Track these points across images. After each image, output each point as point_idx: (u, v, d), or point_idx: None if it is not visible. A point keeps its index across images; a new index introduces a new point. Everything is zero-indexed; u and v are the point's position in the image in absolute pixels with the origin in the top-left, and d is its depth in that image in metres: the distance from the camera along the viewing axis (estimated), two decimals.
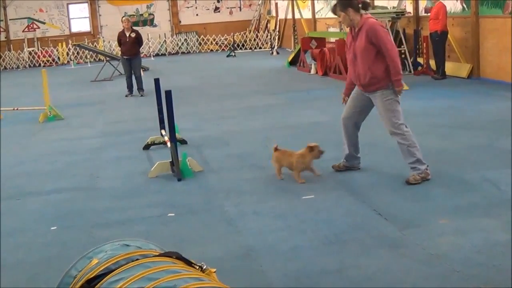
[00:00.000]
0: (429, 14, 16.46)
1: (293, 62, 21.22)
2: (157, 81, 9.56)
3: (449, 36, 15.89)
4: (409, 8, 18.67)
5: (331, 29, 23.08)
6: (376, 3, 20.53)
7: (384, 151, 8.46)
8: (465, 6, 15.88)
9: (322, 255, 5.17)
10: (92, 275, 2.80)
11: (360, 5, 7.07)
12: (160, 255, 2.92)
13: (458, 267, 4.76)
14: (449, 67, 16.13)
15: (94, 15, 31.50)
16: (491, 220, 5.73)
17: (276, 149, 7.53)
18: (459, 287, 4.45)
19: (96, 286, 2.73)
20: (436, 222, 5.74)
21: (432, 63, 16.47)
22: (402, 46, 17.85)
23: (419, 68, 17.24)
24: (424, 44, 16.99)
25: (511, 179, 6.82)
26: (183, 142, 9.57)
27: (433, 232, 5.50)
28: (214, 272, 3.04)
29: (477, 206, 6.14)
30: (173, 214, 6.46)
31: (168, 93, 7.73)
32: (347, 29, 7.51)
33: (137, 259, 2.83)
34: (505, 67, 14.57)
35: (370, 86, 7.14)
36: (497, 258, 4.89)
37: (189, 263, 2.96)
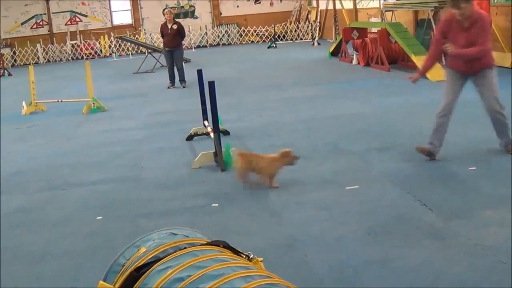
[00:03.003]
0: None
1: (334, 53, 21.09)
2: (199, 72, 9.60)
3: (492, 25, 15.62)
4: None
5: (373, 20, 22.86)
6: None
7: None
8: None
9: (367, 246, 5.14)
10: (141, 263, 2.82)
11: None
12: (208, 244, 2.93)
13: (504, 259, 4.68)
14: (493, 56, 15.82)
15: (135, 7, 31.73)
16: None
17: (241, 153, 7.19)
18: (505, 278, 4.39)
19: (145, 274, 2.74)
20: (482, 213, 5.66)
21: None
22: None
23: None
24: None
25: None
26: (226, 133, 9.59)
27: (479, 223, 5.43)
28: (261, 261, 3.04)
29: None
30: (217, 205, 6.49)
31: (211, 84, 7.75)
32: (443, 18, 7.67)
33: (184, 248, 2.84)
34: None
35: (479, 69, 7.45)
36: None
37: (236, 252, 2.97)
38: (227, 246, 2.96)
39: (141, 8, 31.80)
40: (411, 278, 4.52)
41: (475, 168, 7.03)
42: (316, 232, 5.53)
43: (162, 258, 2.77)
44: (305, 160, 7.93)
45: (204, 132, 9.53)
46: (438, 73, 14.41)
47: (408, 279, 4.50)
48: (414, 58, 15.35)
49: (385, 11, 20.90)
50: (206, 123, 9.45)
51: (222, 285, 2.49)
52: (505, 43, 15.76)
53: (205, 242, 2.95)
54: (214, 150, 7.98)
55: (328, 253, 5.06)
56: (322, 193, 6.63)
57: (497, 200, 5.99)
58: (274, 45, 27.76)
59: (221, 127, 8.81)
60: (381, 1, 22.62)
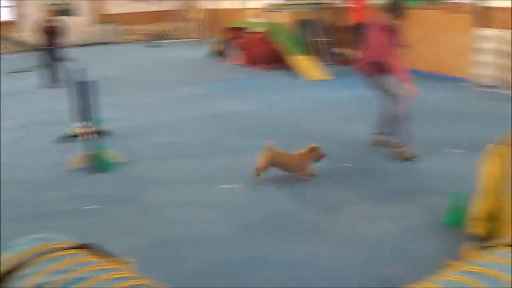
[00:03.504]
0: (351, 5, 16.68)
1: (218, 53, 21.17)
2: (79, 72, 9.40)
3: None
4: None
5: (256, 20, 23.09)
6: None
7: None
8: None
9: (243, 243, 5.22)
10: (4, 270, 2.75)
11: None
12: (75, 247, 2.90)
13: (378, 252, 4.89)
14: None
15: (15, 4, 30.68)
16: (409, 205, 5.92)
17: (268, 150, 6.95)
18: (378, 270, 4.57)
19: (5, 281, 2.68)
20: (356, 208, 5.87)
21: (355, 53, 16.72)
22: (326, 37, 18.07)
23: (342, 58, 17.50)
24: (347, 34, 17.26)
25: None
26: (106, 133, 9.42)
27: (355, 218, 5.64)
28: (132, 262, 3.03)
29: (395, 192, 6.32)
30: (94, 206, 6.39)
31: (89, 84, 7.62)
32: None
33: (51, 252, 2.79)
34: (421, 57, 15.02)
35: None
36: (414, 242, 5.05)
37: (106, 254, 2.95)
38: (96, 249, 2.93)
39: (20, 5, 30.78)
40: (285, 273, 4.62)
41: (352, 165, 7.27)
42: (192, 231, 5.56)
43: (27, 263, 2.71)
44: (186, 159, 7.96)
45: (81, 132, 9.33)
46: (315, 72, 14.83)
47: (283, 274, 4.60)
48: (295, 58, 15.65)
49: (267, 11, 21.15)
50: (83, 123, 9.25)
51: None
52: None
53: (72, 246, 2.92)
54: (90, 151, 7.85)
55: (204, 251, 5.10)
56: (200, 192, 6.66)
57: (372, 195, 6.25)
58: (158, 44, 27.56)
59: (100, 127, 8.67)
60: (264, 1, 22.89)
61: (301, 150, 6.95)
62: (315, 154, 6.94)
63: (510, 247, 2.77)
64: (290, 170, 6.96)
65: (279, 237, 5.29)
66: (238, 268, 4.77)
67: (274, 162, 6.90)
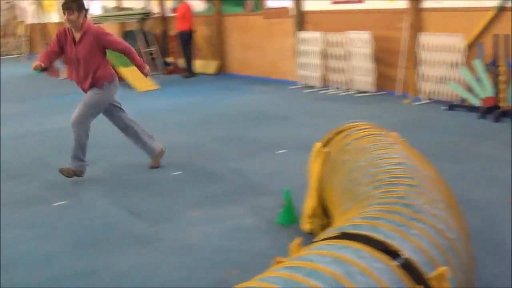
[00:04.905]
0: (175, 14, 16.82)
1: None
2: None
3: (197, 34, 16.42)
4: (156, 9, 18.97)
5: None
6: (124, 4, 20.58)
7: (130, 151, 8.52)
8: (209, 5, 16.49)
9: (76, 259, 5.11)
10: None
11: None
12: None
13: (208, 255, 4.96)
14: (199, 64, 16.67)
15: None
16: (238, 207, 6.06)
17: None
18: (208, 274, 4.63)
19: None
20: (186, 214, 5.94)
21: (182, 61, 16.89)
22: (152, 47, 18.07)
23: (169, 67, 17.60)
24: (173, 43, 17.40)
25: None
26: None
27: (183, 224, 5.69)
28: None
29: (224, 195, 6.46)
30: None
31: None
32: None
33: None
34: (248, 62, 15.46)
35: (90, 87, 7.57)
36: (245, 243, 5.17)
37: None
38: None
39: None
40: (119, 285, 4.57)
41: (181, 172, 7.33)
42: (23, 252, 5.35)
43: None
44: (11, 178, 7.66)
45: None
46: (142, 83, 14.82)
47: (116, 286, 4.56)
48: (122, 70, 15.52)
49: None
50: None
51: None
52: (209, 51, 16.62)
53: None
54: None
55: (36, 271, 4.93)
56: (29, 212, 6.42)
57: (200, 200, 6.36)
58: None
59: None
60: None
61: None
62: None
63: (328, 240, 2.93)
64: None
65: (113, 250, 5.24)
66: (72, 284, 4.66)
67: None
